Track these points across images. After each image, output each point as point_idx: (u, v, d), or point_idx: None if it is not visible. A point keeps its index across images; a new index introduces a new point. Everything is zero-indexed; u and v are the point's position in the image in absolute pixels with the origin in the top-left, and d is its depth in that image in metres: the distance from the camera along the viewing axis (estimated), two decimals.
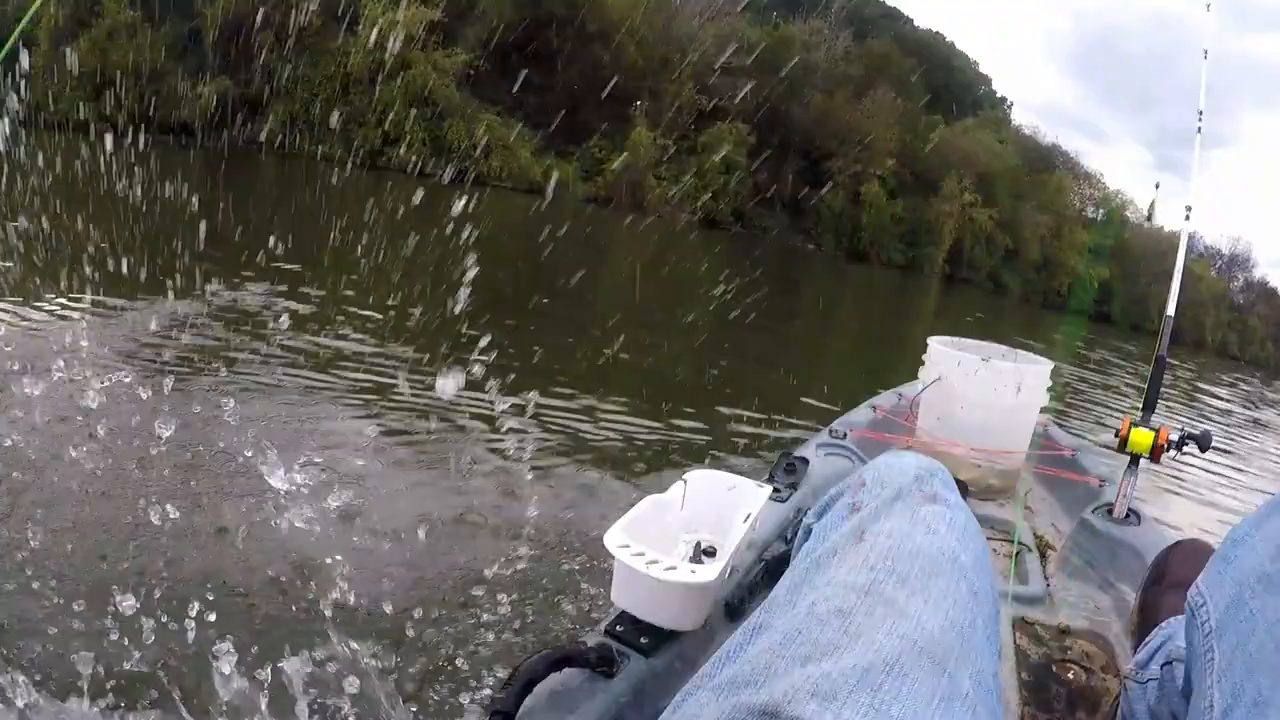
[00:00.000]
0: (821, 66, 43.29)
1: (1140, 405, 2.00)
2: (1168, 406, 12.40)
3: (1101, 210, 62.74)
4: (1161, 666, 1.03)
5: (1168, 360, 2.09)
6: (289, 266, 6.97)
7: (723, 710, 0.56)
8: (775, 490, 1.72)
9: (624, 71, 36.20)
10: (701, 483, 1.52)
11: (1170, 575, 1.34)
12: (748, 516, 1.40)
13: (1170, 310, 2.21)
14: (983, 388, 2.42)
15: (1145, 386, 2.02)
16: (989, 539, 2.03)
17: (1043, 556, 2.06)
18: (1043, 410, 2.61)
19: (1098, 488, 2.38)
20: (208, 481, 2.73)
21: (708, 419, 4.78)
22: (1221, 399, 17.63)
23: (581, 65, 36.98)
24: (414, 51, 36.16)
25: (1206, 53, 2.43)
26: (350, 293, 6.31)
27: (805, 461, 2.02)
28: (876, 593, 0.63)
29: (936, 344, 2.58)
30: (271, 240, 8.83)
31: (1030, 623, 1.67)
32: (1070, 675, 1.50)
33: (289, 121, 36.93)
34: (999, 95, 64.43)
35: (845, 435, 2.48)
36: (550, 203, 32.14)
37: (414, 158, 35.65)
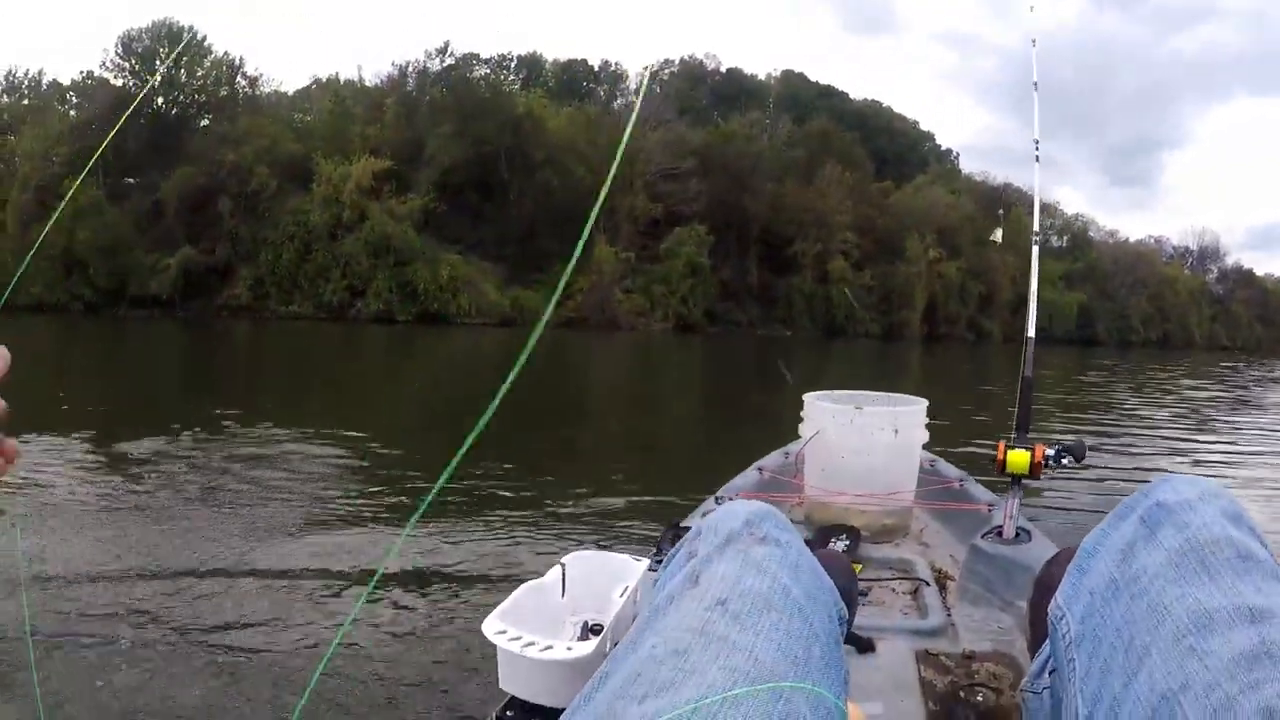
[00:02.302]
0: (767, 155, 44.23)
1: (1014, 427, 2.04)
2: (1167, 410, 12.82)
3: (1065, 237, 63.61)
4: (1051, 674, 1.00)
5: (1031, 380, 2.15)
6: (260, 423, 7.29)
7: None
8: (660, 561, 1.71)
9: (576, 193, 36.87)
10: (581, 564, 1.55)
11: (1054, 585, 1.46)
12: (624, 589, 1.44)
13: (1030, 332, 2.27)
14: (861, 435, 2.46)
15: (1015, 408, 2.07)
16: (889, 580, 2.10)
17: (943, 588, 2.08)
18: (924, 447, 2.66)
19: (987, 513, 2.41)
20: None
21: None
22: (1207, 390, 18.18)
23: (534, 193, 37.71)
24: (370, 202, 36.85)
25: (1036, 84, 2.50)
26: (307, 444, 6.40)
27: (690, 530, 2.05)
28: (710, 631, 0.65)
29: (812, 399, 2.60)
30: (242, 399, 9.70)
31: (934, 654, 1.67)
32: (980, 698, 1.51)
33: (256, 284, 37.63)
34: (944, 149, 66.14)
35: (732, 500, 2.51)
36: (523, 332, 32.38)
37: (380, 306, 36.13)
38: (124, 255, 37.36)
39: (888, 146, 54.76)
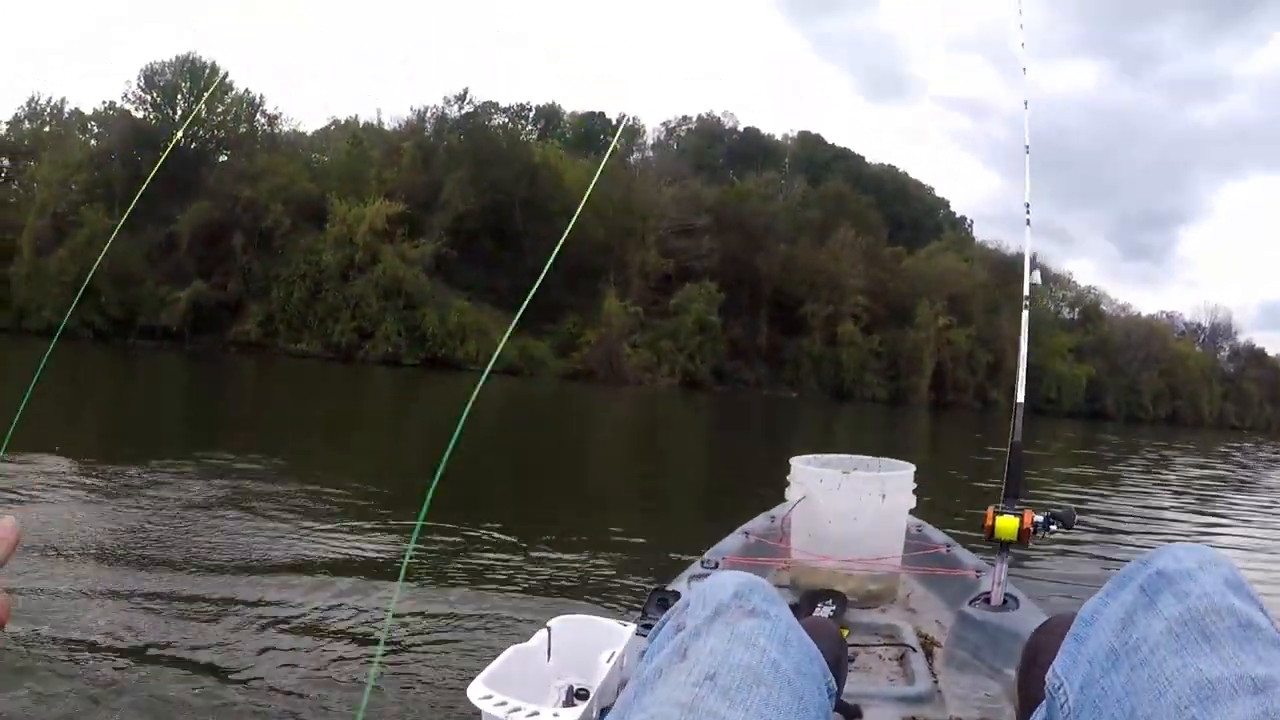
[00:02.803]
0: (781, 215, 44.41)
1: (1003, 494, 2.02)
2: (1167, 487, 12.76)
3: (1076, 309, 63.58)
4: None
5: (1024, 448, 2.13)
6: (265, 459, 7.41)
7: None
8: (647, 626, 1.70)
9: (589, 245, 36.91)
10: (567, 628, 1.56)
11: (1042, 654, 1.26)
12: (611, 656, 1.44)
13: (1020, 398, 2.24)
14: (848, 499, 2.45)
15: (1005, 476, 2.04)
16: (875, 646, 2.08)
17: (929, 654, 2.06)
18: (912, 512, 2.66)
19: (974, 579, 2.38)
20: None
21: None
22: (1215, 469, 18.03)
23: (547, 243, 37.40)
24: (383, 245, 36.91)
25: (1028, 148, 2.51)
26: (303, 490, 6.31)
27: (677, 595, 1.98)
28: (699, 707, 0.65)
29: (799, 463, 2.58)
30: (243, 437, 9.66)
31: None
32: None
33: (266, 320, 37.60)
34: (958, 215, 66.38)
35: (718, 564, 2.48)
36: (529, 381, 32.29)
37: (388, 348, 36.01)
38: (136, 286, 37.42)
39: (903, 211, 54.99)
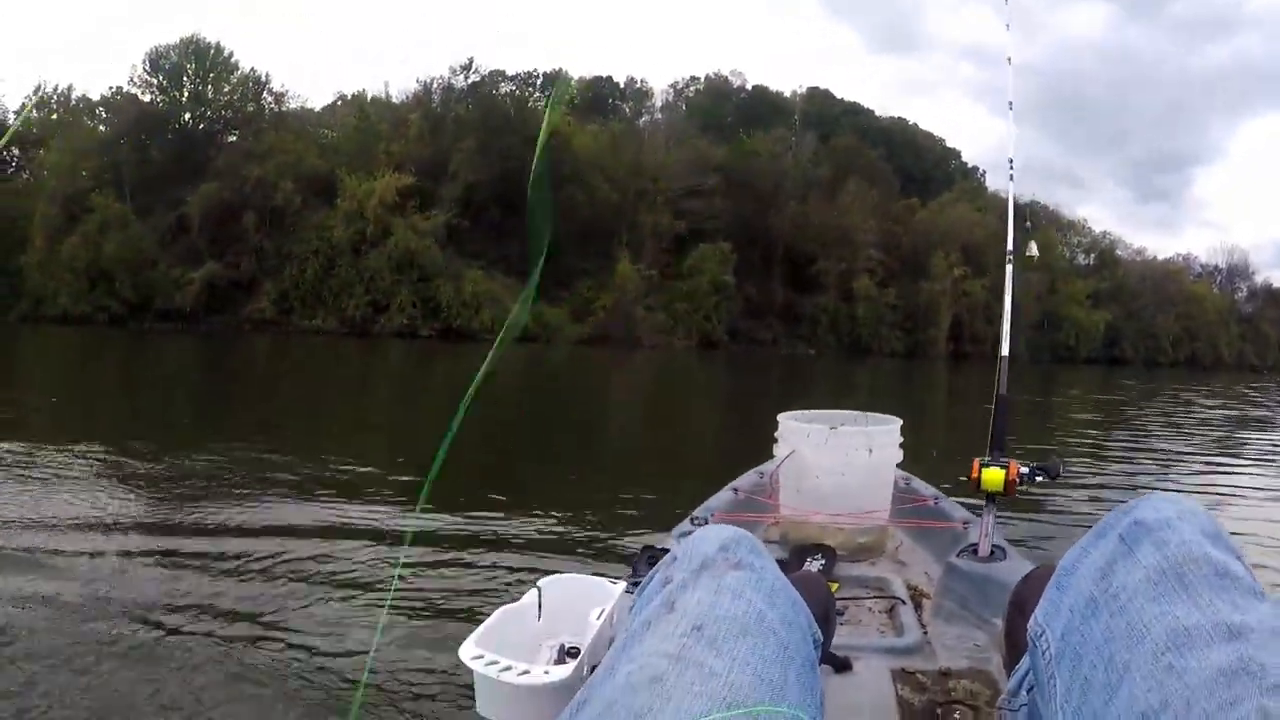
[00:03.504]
0: (791, 173, 44.06)
1: (989, 445, 2.05)
2: (1185, 432, 12.61)
3: (1091, 255, 62.94)
4: (1029, 691, 0.98)
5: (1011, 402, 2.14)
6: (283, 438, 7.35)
7: None
8: (637, 583, 1.71)
9: (600, 209, 36.78)
10: (556, 588, 1.57)
11: (1027, 603, 1.27)
12: (601, 613, 1.45)
13: (1004, 351, 2.26)
14: (835, 454, 2.49)
15: (990, 426, 2.07)
16: (864, 598, 2.10)
17: (918, 606, 2.10)
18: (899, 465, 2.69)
19: (962, 530, 2.42)
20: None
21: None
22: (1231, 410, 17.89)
23: (559, 210, 37.58)
24: (394, 218, 36.92)
25: (1011, 105, 2.52)
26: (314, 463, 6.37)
27: (666, 551, 2.07)
28: (686, 658, 0.67)
29: (786, 419, 2.62)
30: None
31: (911, 672, 1.69)
32: (957, 715, 1.53)
33: (280, 298, 37.83)
34: (970, 166, 65.47)
35: (707, 521, 2.48)
36: (544, 348, 32.35)
37: (403, 321, 36.15)
38: (149, 269, 37.68)
39: (913, 164, 54.38)
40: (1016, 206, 2.49)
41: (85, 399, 10.87)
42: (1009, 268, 2.40)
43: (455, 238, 36.97)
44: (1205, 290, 66.29)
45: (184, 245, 38.96)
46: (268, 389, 15.34)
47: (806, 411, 2.71)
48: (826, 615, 1.16)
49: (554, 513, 4.84)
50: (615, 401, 16.11)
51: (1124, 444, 10.70)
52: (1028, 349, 49.91)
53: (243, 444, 6.78)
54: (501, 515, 4.75)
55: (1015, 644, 1.28)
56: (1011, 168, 2.51)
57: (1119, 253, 64.12)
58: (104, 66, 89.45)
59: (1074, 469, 7.58)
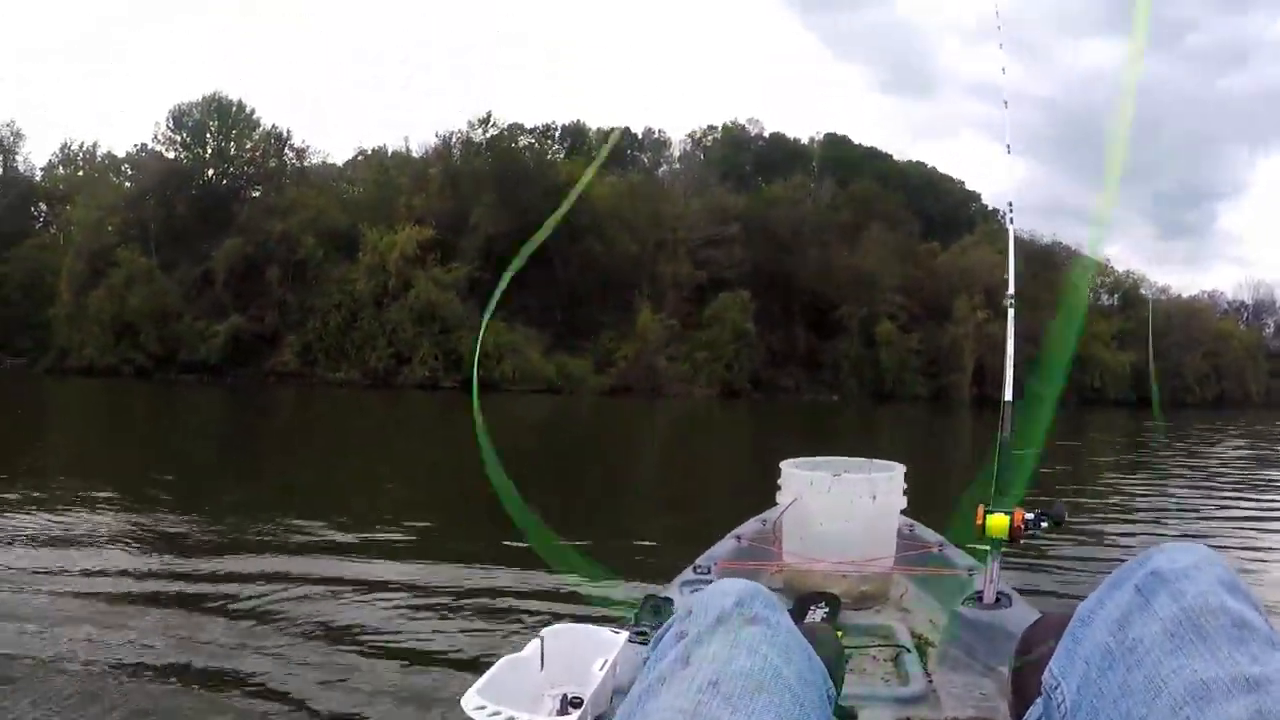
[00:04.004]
0: (811, 219, 44.08)
1: (993, 492, 2.04)
2: (1207, 472, 12.44)
3: (1115, 295, 62.32)
4: None
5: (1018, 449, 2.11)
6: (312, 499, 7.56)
7: None
8: (640, 633, 1.69)
9: (620, 260, 36.84)
10: (559, 638, 1.56)
11: (1038, 650, 1.32)
12: (604, 662, 1.43)
13: (1007, 395, 2.25)
14: (838, 501, 2.47)
15: (994, 473, 2.05)
16: (869, 647, 2.08)
17: (923, 654, 2.08)
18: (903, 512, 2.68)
19: (967, 577, 2.38)
20: None
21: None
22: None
23: (579, 261, 37.81)
24: (415, 271, 37.15)
25: (1009, 148, 2.54)
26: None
27: (670, 601, 2.01)
28: (703, 714, 0.66)
29: (789, 466, 2.61)
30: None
31: None
32: None
33: (304, 350, 38.10)
34: (990, 208, 65.30)
35: (710, 569, 2.48)
36: (567, 399, 32.26)
37: (425, 372, 36.18)
38: (174, 322, 38.09)
39: (934, 207, 54.23)
40: (1018, 248, 2.44)
41: (112, 448, 11.32)
42: (1010, 311, 2.40)
43: (477, 289, 37.14)
44: (1232, 327, 65.36)
45: (209, 299, 39.44)
46: (291, 440, 15.57)
47: (809, 459, 2.73)
48: (836, 667, 1.14)
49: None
50: (633, 450, 16.14)
51: (1142, 487, 10.59)
52: (1055, 395, 49.28)
53: (265, 492, 7.08)
54: (505, 563, 4.77)
55: (1022, 692, 1.28)
56: (1010, 210, 2.54)
57: (1144, 291, 63.49)
58: (103, 67, 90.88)
59: (1089, 514, 7.55)
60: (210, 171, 43.21)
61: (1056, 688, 0.78)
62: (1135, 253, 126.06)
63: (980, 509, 1.97)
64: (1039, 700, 1.13)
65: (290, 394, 30.93)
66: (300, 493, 7.41)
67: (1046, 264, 53.77)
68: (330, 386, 35.12)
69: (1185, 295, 67.48)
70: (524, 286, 37.53)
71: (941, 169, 63.17)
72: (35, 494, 6.14)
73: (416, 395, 32.55)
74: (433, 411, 24.85)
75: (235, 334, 38.31)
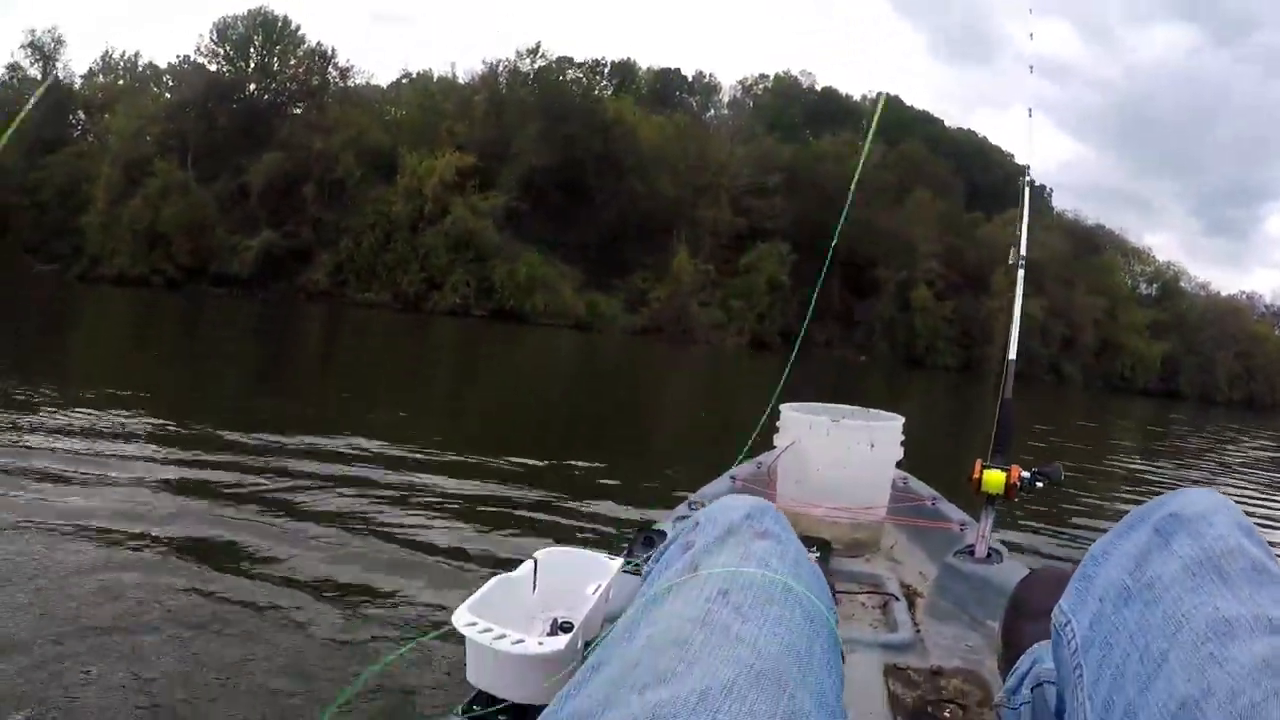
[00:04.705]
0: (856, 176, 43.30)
1: (991, 448, 2.06)
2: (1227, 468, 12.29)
3: (1154, 286, 61.32)
4: (1032, 689, 1.04)
5: (1013, 402, 2.15)
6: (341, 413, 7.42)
7: None
8: (632, 563, 1.68)
9: (661, 201, 36.35)
10: (553, 560, 1.55)
11: (1027, 604, 1.36)
12: (597, 587, 1.44)
13: (1011, 354, 2.30)
14: (837, 448, 2.50)
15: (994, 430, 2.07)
16: (858, 593, 2.11)
17: (911, 604, 2.10)
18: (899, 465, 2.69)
19: (959, 532, 2.44)
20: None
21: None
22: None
23: (619, 199, 37.41)
24: (453, 197, 36.84)
25: (1030, 111, 2.59)
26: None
27: (663, 535, 1.94)
28: (712, 622, 0.64)
29: (789, 410, 2.63)
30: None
31: (903, 668, 1.69)
32: (946, 714, 1.51)
33: (335, 270, 37.99)
34: (1038, 184, 63.58)
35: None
36: (596, 336, 32.07)
37: (456, 299, 36.02)
38: (207, 235, 38.01)
39: (981, 177, 53.13)
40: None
41: (145, 354, 11.27)
42: (1020, 273, 2.40)
43: (513, 220, 36.81)
44: (1267, 331, 64.29)
45: (243, 213, 39.31)
46: (326, 356, 15.57)
47: (810, 404, 2.72)
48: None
49: (565, 491, 4.89)
50: (656, 389, 16.01)
51: (1155, 469, 10.52)
52: (1082, 375, 48.71)
53: (298, 401, 7.22)
54: (514, 486, 4.87)
55: (1011, 645, 1.28)
56: (1027, 173, 2.55)
57: (1182, 284, 62.39)
58: (172, 33, 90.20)
59: (1093, 490, 7.55)
60: (252, 86, 42.84)
61: (1066, 624, 0.77)
62: (1179, 244, 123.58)
63: (978, 464, 1.98)
64: (1029, 652, 1.17)
65: (321, 311, 30.91)
66: (332, 407, 7.49)
67: (1089, 246, 53.16)
68: (360, 307, 35.09)
69: (1224, 293, 66.50)
70: (562, 222, 37.21)
71: (992, 140, 61.92)
72: (72, 396, 6.16)
73: (446, 321, 32.45)
74: (466, 338, 24.91)
75: (268, 249, 38.17)
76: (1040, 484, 1.94)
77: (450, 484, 4.77)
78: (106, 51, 48.01)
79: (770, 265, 38.59)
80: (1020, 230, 2.44)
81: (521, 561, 1.51)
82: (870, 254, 41.49)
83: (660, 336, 34.53)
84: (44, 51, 44.66)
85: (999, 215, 49.23)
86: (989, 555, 2.07)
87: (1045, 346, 47.07)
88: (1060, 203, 59.34)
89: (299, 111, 42.10)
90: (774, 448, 2.67)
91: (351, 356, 16.00)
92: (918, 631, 1.90)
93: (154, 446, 4.97)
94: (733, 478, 2.90)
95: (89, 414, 5.54)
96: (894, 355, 41.90)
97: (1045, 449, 10.50)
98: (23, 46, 43.60)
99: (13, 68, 43.23)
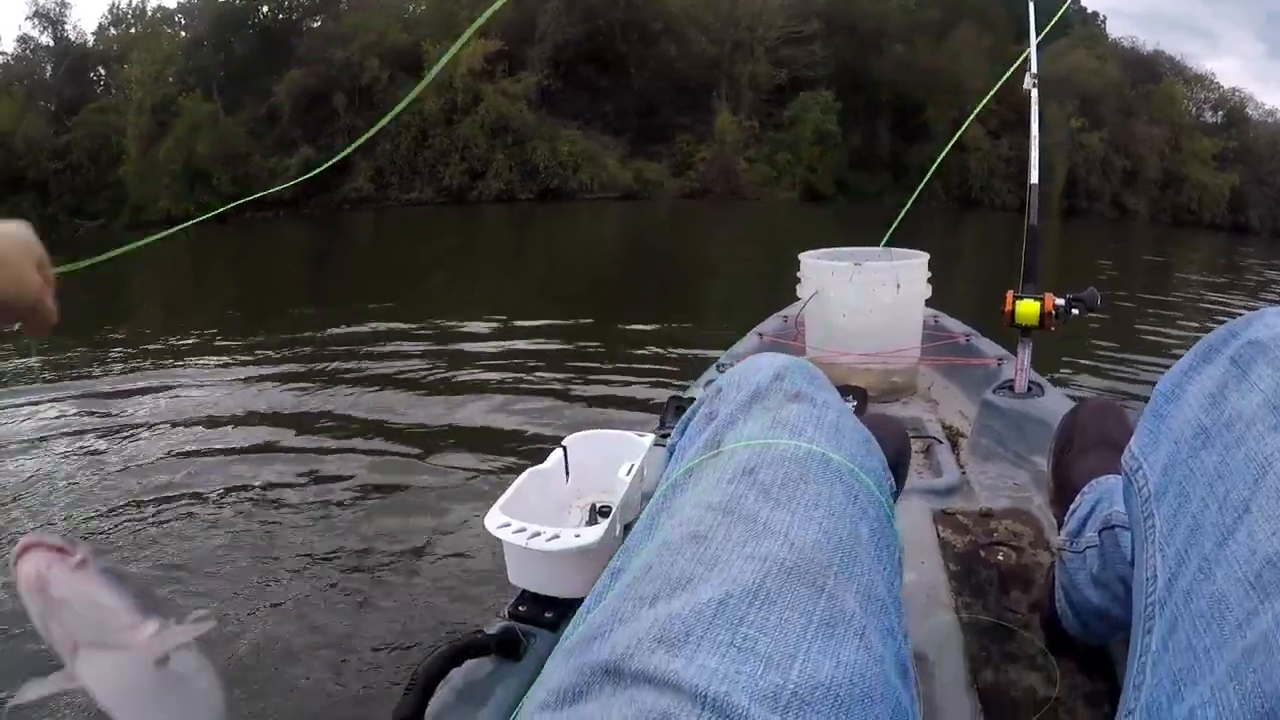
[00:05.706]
0: (895, 16, 41.63)
1: (1021, 278, 1.94)
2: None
3: (1220, 113, 58.54)
4: (1100, 532, 0.97)
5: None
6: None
7: (568, 676, 0.50)
8: (665, 435, 1.57)
9: (695, 62, 35.34)
10: (582, 445, 1.51)
11: (1079, 437, 1.24)
12: (630, 469, 1.39)
13: (1034, 179, 2.22)
14: (861, 292, 2.42)
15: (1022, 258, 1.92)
16: None
17: (954, 445, 2.03)
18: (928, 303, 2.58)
19: (996, 367, 2.39)
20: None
21: None
22: None
23: (652, 65, 36.57)
24: (483, 84, 36.26)
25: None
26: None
27: (694, 401, 1.58)
28: (736, 510, 0.56)
29: (808, 258, 2.55)
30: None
31: (951, 513, 1.64)
32: (1000, 557, 1.47)
33: (376, 174, 37.85)
34: (1090, 10, 61.08)
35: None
36: (645, 203, 31.71)
37: (501, 185, 35.74)
38: (244, 162, 38.09)
39: (1028, 7, 50.81)
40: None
41: (207, 293, 11.88)
42: (1033, 93, 2.37)
43: (548, 99, 36.19)
44: None
45: (276, 135, 39.36)
46: (378, 263, 16.14)
47: (830, 249, 2.65)
48: (899, 461, 0.98)
49: (605, 365, 4.97)
50: (706, 257, 15.78)
51: (1220, 306, 9.90)
52: (1148, 209, 47.05)
53: (357, 317, 7.27)
54: (546, 368, 5.03)
55: (1062, 482, 1.21)
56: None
57: (1249, 112, 59.32)
58: None
59: (1149, 322, 7.32)
60: (265, 9, 42.48)
61: (1138, 470, 0.68)
62: (1244, 72, 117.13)
63: (1009, 295, 1.89)
64: (1085, 491, 1.10)
65: (369, 218, 31.12)
66: (389, 308, 7.95)
67: (1148, 74, 50.64)
68: (405, 207, 35.19)
69: None
70: (597, 94, 36.48)
71: None
72: (143, 336, 6.56)
73: (494, 209, 32.30)
74: (516, 223, 24.96)
75: (307, 165, 37.73)
76: (1076, 311, 1.85)
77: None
78: (114, 4, 47.65)
79: (815, 115, 37.38)
80: (1030, 49, 2.40)
81: (550, 451, 1.44)
82: (917, 97, 40.06)
83: (710, 198, 33.96)
84: (50, 17, 44.47)
85: (1049, 45, 47.09)
86: (1029, 389, 2.02)
87: (1106, 180, 45.43)
88: (1116, 30, 56.56)
89: (316, 25, 41.65)
90: (798, 299, 2.58)
91: (410, 255, 16.30)
92: (963, 473, 1.83)
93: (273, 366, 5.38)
94: (760, 334, 2.87)
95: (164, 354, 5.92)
96: (950, 198, 40.69)
97: (1105, 282, 10.31)
98: (29, 17, 43.51)
99: (23, 39, 43.17)
